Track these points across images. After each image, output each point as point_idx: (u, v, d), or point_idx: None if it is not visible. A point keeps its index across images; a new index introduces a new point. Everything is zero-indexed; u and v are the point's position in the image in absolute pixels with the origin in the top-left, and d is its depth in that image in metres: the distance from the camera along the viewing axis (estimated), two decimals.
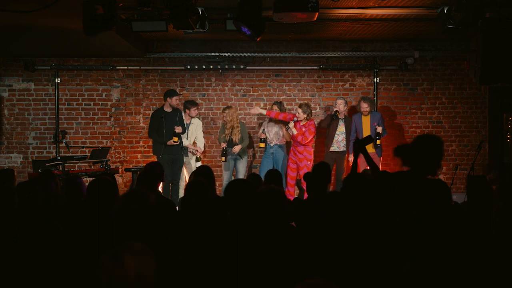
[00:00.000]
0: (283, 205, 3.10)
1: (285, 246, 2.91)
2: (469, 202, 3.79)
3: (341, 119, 8.18)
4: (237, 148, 8.04)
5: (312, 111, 8.82)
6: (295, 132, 7.92)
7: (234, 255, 2.92)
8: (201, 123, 8.47)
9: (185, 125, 8.11)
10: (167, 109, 7.91)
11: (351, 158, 8.24)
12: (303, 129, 7.95)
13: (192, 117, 8.22)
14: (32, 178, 5.19)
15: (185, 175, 8.17)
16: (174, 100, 7.92)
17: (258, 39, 5.70)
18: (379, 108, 8.96)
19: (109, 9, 5.09)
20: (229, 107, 8.25)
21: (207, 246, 3.10)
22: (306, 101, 8.38)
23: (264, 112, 8.09)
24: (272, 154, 8.16)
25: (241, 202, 3.47)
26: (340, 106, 8.12)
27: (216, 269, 2.93)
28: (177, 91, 8.88)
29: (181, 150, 7.96)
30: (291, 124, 7.92)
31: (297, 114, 7.96)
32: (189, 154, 8.25)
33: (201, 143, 8.34)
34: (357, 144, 3.98)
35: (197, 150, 8.22)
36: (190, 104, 8.22)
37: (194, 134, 8.30)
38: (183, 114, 8.15)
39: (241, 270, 2.84)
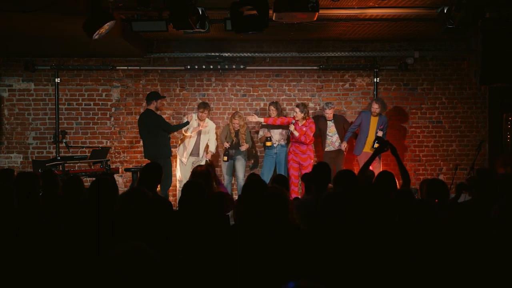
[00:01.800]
0: (289, 208, 3.11)
1: (285, 247, 2.90)
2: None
3: (329, 120, 8.29)
4: (244, 147, 8.14)
5: (313, 111, 8.88)
6: (297, 134, 8.02)
7: (234, 255, 2.92)
8: (214, 125, 8.42)
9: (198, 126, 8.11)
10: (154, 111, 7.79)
11: (343, 145, 8.25)
12: (304, 129, 8.05)
13: (201, 120, 8.12)
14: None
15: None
16: (160, 103, 7.87)
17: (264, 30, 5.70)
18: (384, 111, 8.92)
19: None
20: (237, 112, 8.31)
21: (207, 246, 3.10)
22: (302, 101, 8.45)
23: (262, 120, 8.19)
24: (276, 154, 8.23)
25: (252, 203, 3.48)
26: (326, 115, 8.28)
27: (215, 269, 2.93)
28: (177, 91, 8.92)
29: None
30: (292, 127, 8.05)
31: (295, 115, 8.07)
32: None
33: (213, 145, 8.30)
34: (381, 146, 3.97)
35: (207, 153, 8.18)
36: (200, 105, 8.15)
37: (207, 137, 8.24)
38: (195, 115, 8.16)
39: (240, 270, 2.84)
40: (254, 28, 5.54)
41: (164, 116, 8.31)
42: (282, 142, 8.30)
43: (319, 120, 8.43)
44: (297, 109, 8.04)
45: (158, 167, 4.51)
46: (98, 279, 1.85)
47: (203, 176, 4.40)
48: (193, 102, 8.95)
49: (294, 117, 8.10)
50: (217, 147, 8.51)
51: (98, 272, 1.86)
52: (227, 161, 8.11)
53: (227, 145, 8.09)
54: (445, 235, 3.15)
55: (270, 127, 8.33)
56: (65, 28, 6.29)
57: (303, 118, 8.05)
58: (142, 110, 9.00)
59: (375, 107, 8.17)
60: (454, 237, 3.23)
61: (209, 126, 8.26)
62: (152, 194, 3.50)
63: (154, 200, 3.68)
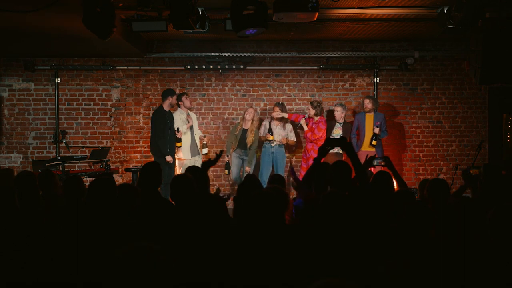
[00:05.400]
0: (286, 206, 3.11)
1: (285, 246, 2.91)
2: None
3: (339, 123, 8.27)
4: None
5: (313, 111, 8.87)
6: (305, 128, 8.13)
7: (232, 253, 2.92)
8: (195, 115, 8.40)
9: (186, 115, 8.06)
10: (167, 108, 7.90)
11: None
12: (313, 126, 8.08)
13: (188, 108, 8.08)
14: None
15: None
16: (175, 99, 7.96)
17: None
18: (379, 108, 8.94)
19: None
20: (251, 107, 8.40)
21: (205, 243, 3.10)
22: (318, 99, 8.46)
23: (286, 115, 8.26)
24: (273, 153, 8.21)
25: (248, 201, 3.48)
26: (335, 113, 8.25)
27: (214, 267, 2.94)
28: (177, 91, 8.89)
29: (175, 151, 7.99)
30: (303, 121, 8.17)
31: (307, 111, 8.21)
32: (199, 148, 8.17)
33: (200, 132, 8.31)
34: (325, 144, 3.92)
35: (204, 136, 8.19)
36: (182, 94, 8.08)
37: (197, 128, 8.22)
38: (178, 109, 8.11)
39: (237, 268, 2.84)
40: (254, 25, 5.53)
41: None
42: (279, 143, 8.26)
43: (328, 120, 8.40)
44: (310, 106, 8.14)
45: (156, 167, 4.49)
46: (104, 279, 1.85)
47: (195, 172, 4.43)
48: (193, 102, 8.94)
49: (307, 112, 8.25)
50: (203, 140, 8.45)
51: (103, 272, 1.86)
52: (229, 174, 8.13)
53: (227, 159, 8.09)
54: (445, 234, 3.15)
55: (275, 120, 8.31)
56: (66, 26, 6.29)
57: (315, 115, 8.08)
58: (142, 110, 9.04)
59: (366, 102, 8.21)
60: (455, 236, 3.23)
61: (193, 116, 8.25)
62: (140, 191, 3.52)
63: (152, 199, 3.69)
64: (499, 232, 2.72)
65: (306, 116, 8.21)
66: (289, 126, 8.33)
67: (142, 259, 1.83)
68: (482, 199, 3.91)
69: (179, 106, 8.04)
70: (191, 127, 8.09)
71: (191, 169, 4.73)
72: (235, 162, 8.24)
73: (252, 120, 8.13)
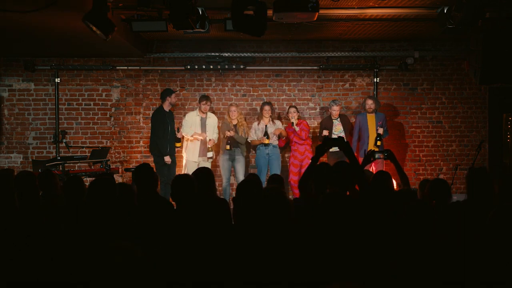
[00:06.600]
0: (289, 206, 3.11)
1: (286, 246, 2.91)
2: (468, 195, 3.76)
3: (335, 119, 8.31)
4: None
5: (313, 111, 8.94)
6: (297, 128, 8.19)
7: (233, 254, 2.92)
8: (216, 118, 8.40)
9: (201, 119, 8.10)
10: (167, 108, 7.97)
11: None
12: (300, 126, 8.28)
13: (204, 112, 8.15)
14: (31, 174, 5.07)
15: None
16: (174, 98, 8.01)
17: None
18: (379, 108, 8.94)
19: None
20: (232, 104, 8.39)
21: (206, 244, 3.10)
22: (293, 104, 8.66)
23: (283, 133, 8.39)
24: (268, 154, 8.23)
25: (249, 202, 3.48)
26: (333, 112, 8.31)
27: (215, 268, 2.93)
28: (177, 91, 8.90)
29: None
30: (295, 122, 8.23)
31: (292, 114, 8.26)
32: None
33: (215, 135, 8.27)
34: (323, 144, 3.91)
35: (210, 139, 8.15)
36: (202, 97, 8.18)
37: (212, 128, 8.23)
38: (197, 108, 8.23)
39: (238, 269, 2.84)
40: (252, 32, 5.54)
41: None
42: (275, 143, 8.30)
43: (325, 120, 8.44)
44: (295, 110, 8.28)
45: (147, 168, 4.45)
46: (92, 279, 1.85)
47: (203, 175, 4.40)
48: (193, 102, 8.95)
49: (290, 115, 8.31)
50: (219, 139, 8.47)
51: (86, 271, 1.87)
52: (230, 149, 8.10)
53: (228, 134, 8.06)
54: (443, 236, 3.15)
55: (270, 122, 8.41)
56: (66, 26, 6.29)
57: (298, 117, 8.32)
58: (142, 110, 9.04)
59: (370, 103, 8.24)
60: (451, 238, 3.23)
61: (212, 118, 8.28)
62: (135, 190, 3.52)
63: (150, 199, 3.69)
64: (499, 232, 2.72)
65: (293, 120, 8.23)
66: (278, 122, 8.46)
67: (117, 259, 1.83)
68: (471, 202, 3.88)
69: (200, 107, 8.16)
70: (206, 129, 8.11)
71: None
72: (225, 165, 8.22)
73: (237, 117, 8.20)
